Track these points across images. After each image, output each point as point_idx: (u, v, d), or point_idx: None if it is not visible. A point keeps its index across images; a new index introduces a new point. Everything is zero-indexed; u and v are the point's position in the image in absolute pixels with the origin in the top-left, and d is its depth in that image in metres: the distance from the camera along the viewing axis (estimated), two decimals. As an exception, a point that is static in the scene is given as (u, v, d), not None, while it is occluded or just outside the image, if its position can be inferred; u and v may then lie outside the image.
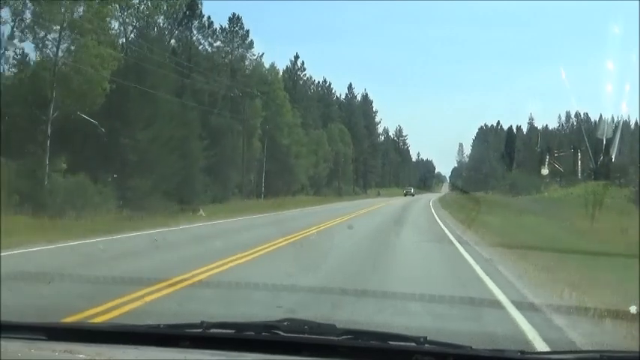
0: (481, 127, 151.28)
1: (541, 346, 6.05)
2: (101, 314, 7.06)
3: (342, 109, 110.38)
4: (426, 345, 2.86)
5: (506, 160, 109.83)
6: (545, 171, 51.58)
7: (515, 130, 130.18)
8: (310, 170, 74.38)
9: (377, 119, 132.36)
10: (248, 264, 12.25)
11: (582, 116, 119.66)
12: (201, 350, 2.92)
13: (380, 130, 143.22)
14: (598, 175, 39.31)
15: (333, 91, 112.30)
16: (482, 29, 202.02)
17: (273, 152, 60.60)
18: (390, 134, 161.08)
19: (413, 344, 2.88)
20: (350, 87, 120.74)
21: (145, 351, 2.88)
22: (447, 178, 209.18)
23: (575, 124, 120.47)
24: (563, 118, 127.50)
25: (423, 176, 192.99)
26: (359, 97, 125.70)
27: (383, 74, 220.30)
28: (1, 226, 15.86)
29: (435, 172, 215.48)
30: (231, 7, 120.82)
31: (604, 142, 35.08)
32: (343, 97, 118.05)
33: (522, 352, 2.87)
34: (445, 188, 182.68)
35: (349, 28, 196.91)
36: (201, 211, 33.76)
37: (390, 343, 2.95)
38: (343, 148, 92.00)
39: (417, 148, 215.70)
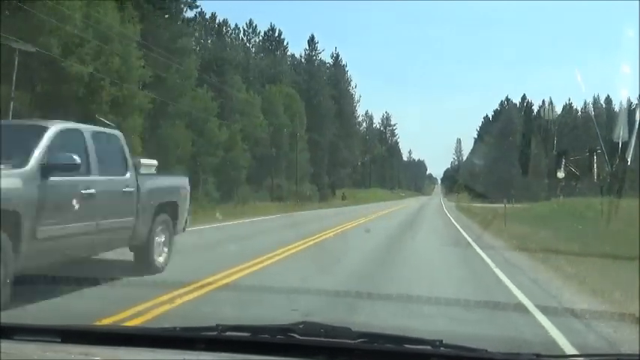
0: (502, 102, 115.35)
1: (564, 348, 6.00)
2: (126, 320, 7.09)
3: (299, 72, 77.06)
4: (442, 348, 2.85)
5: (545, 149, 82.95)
6: (561, 174, 51.05)
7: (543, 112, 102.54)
8: (211, 155, 43.77)
9: (355, 95, 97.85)
10: None
11: (599, 102, 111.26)
12: (217, 353, 2.92)
13: (360, 111, 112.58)
14: (614, 179, 39.00)
15: (285, 43, 76.01)
16: (480, 29, 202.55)
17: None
18: (374, 122, 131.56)
19: (429, 347, 2.88)
20: (312, 41, 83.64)
21: (160, 354, 2.89)
22: (439, 180, 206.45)
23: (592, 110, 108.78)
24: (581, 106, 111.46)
25: (415, 176, 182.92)
26: (328, 60, 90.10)
27: (373, 71, 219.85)
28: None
29: (427, 173, 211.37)
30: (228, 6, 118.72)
31: (620, 145, 34.76)
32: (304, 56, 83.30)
33: (538, 355, 2.85)
34: (437, 190, 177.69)
35: (340, 27, 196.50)
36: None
37: (406, 346, 2.95)
38: (289, 123, 59.69)
39: (408, 149, 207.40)
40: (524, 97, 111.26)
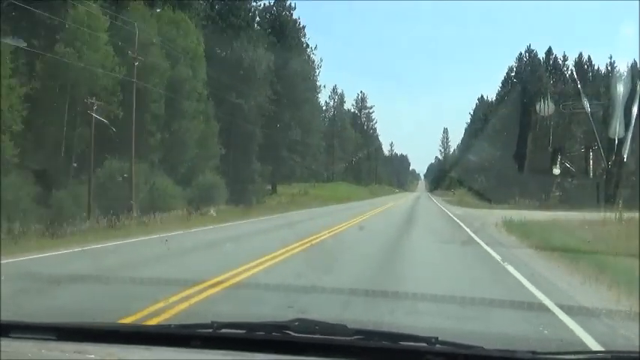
0: (520, 57, 76.09)
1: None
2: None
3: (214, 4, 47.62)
4: (437, 345, 2.85)
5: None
6: (557, 170, 50.42)
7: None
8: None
9: (315, 57, 69.07)
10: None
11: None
12: (212, 350, 2.91)
13: (323, 81, 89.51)
14: (610, 175, 39.07)
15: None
16: (469, 26, 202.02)
17: None
18: (346, 104, 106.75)
19: (424, 344, 2.87)
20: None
21: (155, 351, 2.88)
22: (422, 176, 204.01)
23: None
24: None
25: (397, 172, 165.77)
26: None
27: (354, 64, 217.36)
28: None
29: (410, 169, 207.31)
30: None
31: (616, 142, 34.82)
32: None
33: (534, 353, 2.85)
34: (421, 187, 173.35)
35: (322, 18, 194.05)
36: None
37: (401, 343, 2.94)
38: (168, 67, 34.15)
39: (390, 142, 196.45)
40: (549, 51, 74.11)
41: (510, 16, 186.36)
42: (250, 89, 45.61)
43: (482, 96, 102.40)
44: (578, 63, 72.35)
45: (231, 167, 42.90)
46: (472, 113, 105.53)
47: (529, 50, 76.07)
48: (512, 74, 76.85)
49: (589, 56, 73.10)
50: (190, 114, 36.16)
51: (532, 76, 68.64)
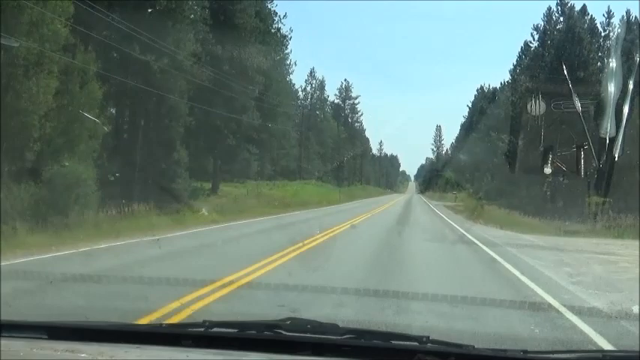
0: (548, 13, 52.18)
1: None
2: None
3: None
4: (429, 344, 2.86)
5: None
6: (548, 170, 49.78)
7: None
8: None
9: (284, 29, 55.79)
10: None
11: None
12: (204, 349, 2.92)
13: (294, 58, 71.62)
14: (601, 175, 38.95)
15: None
16: (460, 25, 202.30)
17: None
18: (328, 93, 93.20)
19: (415, 343, 2.88)
20: None
21: (147, 350, 2.88)
22: (412, 177, 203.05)
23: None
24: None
25: (386, 172, 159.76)
26: None
27: (344, 62, 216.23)
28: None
29: (400, 169, 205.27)
30: None
31: (607, 141, 34.76)
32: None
33: (525, 352, 2.87)
34: (412, 188, 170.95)
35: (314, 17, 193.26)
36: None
37: (393, 342, 2.95)
38: None
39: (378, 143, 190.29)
40: (584, 11, 52.52)
41: (511, 13, 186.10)
42: (164, 41, 28.08)
43: (481, 87, 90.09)
44: (627, 22, 48.66)
45: (128, 155, 28.19)
46: (470, 106, 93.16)
47: (562, 4, 53.49)
48: (536, 36, 55.79)
49: (636, 17, 49.98)
50: (37, 65, 18.96)
51: (567, 37, 48.81)
